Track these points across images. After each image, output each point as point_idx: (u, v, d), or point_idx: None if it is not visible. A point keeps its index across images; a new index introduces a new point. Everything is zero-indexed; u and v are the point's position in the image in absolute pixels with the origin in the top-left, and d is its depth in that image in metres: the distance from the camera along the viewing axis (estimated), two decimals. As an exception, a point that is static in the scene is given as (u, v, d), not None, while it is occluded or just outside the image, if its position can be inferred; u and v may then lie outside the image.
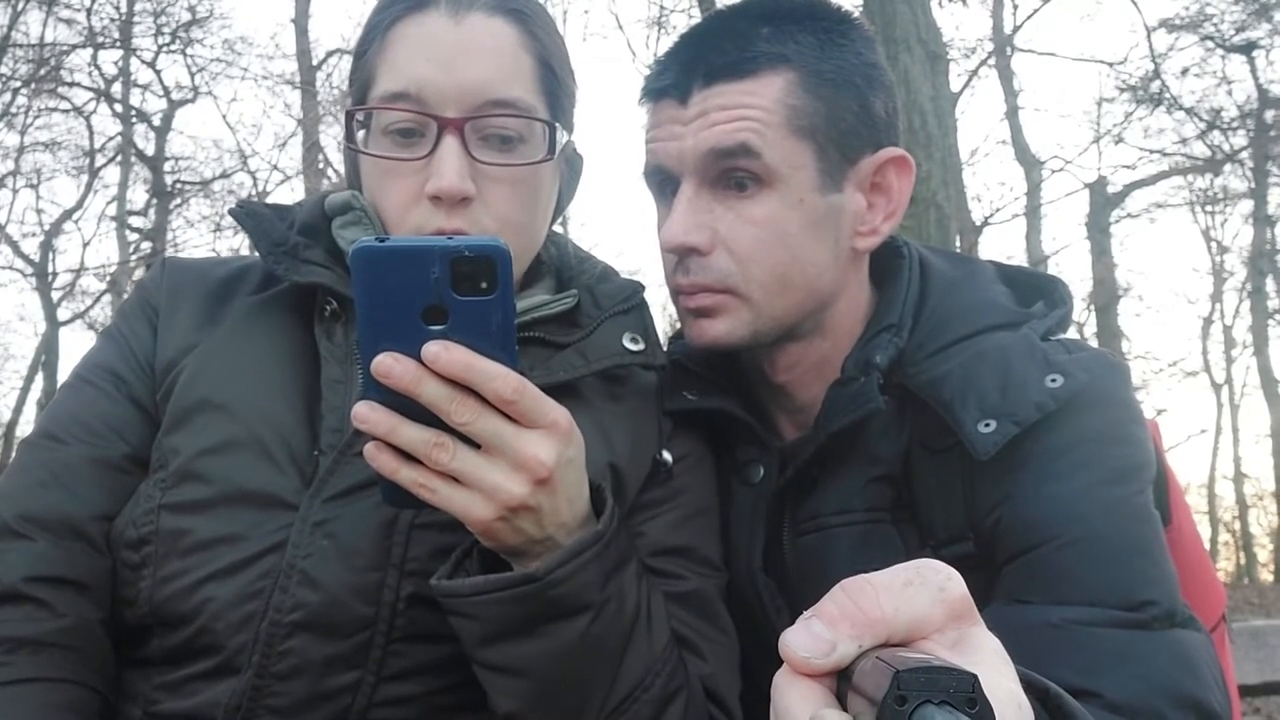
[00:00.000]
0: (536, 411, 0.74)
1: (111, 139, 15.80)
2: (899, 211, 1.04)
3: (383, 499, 0.79)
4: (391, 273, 0.70)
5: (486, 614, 0.79)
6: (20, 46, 13.69)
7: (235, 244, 15.25)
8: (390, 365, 0.70)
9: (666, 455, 1.01)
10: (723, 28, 1.01)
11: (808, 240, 0.99)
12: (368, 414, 0.73)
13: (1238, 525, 19.57)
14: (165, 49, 15.13)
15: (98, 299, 15.55)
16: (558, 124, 0.95)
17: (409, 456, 0.74)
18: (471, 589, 0.79)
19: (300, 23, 13.89)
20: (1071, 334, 1.06)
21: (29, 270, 15.24)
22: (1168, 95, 14.39)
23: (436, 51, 0.90)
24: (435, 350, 0.70)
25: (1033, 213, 14.86)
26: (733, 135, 0.96)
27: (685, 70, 1.00)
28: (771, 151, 0.96)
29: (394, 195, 0.92)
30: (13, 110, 14.37)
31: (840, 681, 0.45)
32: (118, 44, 14.71)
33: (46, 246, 15.42)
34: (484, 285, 0.70)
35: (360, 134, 0.96)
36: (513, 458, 0.74)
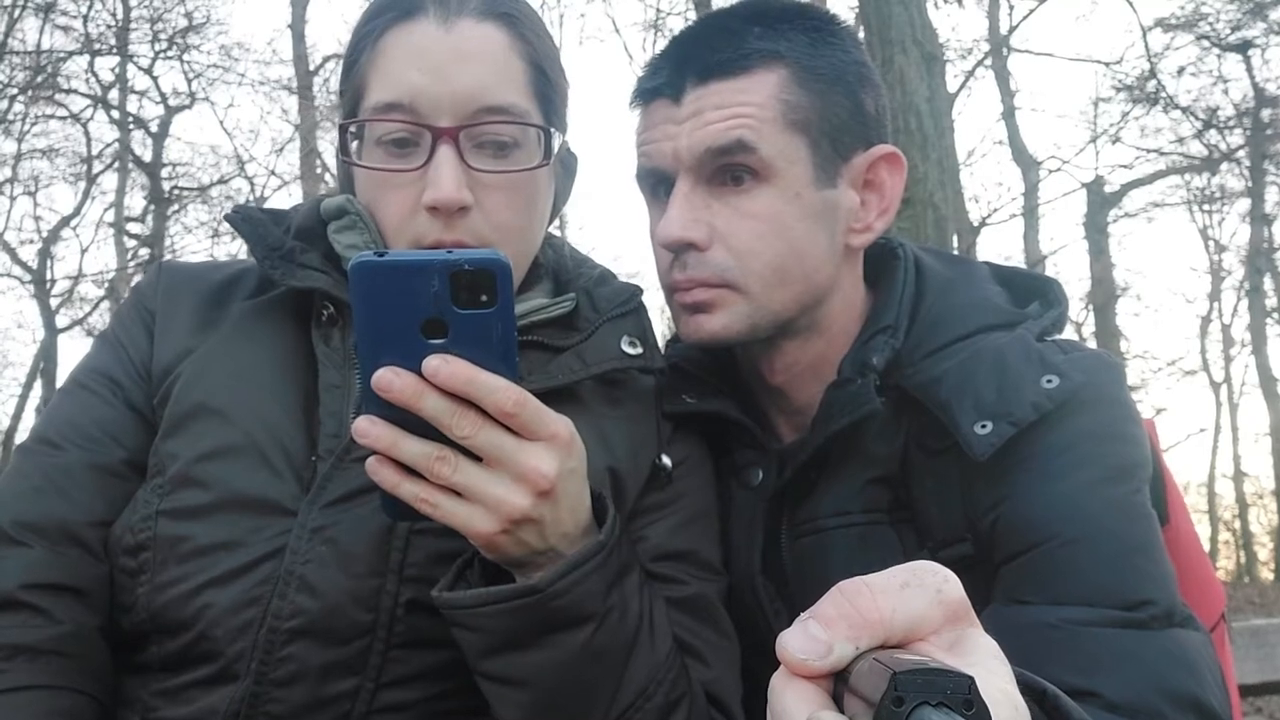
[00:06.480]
0: (537, 423, 0.74)
1: (109, 145, 15.79)
2: (892, 209, 1.05)
3: (383, 511, 0.79)
4: (390, 286, 0.70)
5: (488, 626, 0.79)
6: (17, 54, 13.68)
7: (233, 249, 15.22)
8: (390, 380, 0.70)
9: (666, 459, 1.00)
10: (715, 27, 1.02)
11: (805, 234, 0.99)
12: (368, 429, 0.73)
13: (1238, 524, 19.57)
14: (162, 55, 15.10)
15: (96, 305, 15.54)
16: (552, 127, 0.95)
17: (410, 470, 0.74)
18: (473, 601, 0.79)
19: (297, 28, 13.89)
20: (1069, 334, 1.06)
21: (27, 277, 15.24)
22: (1164, 95, 14.43)
23: (428, 60, 0.90)
24: (435, 364, 0.70)
25: (1030, 213, 14.87)
26: (728, 133, 0.96)
27: (678, 69, 1.00)
28: (767, 146, 0.97)
29: (391, 207, 0.92)
30: (10, 117, 14.35)
31: (837, 683, 0.45)
32: (114, 51, 14.69)
33: (44, 253, 15.42)
34: (484, 298, 0.70)
35: (354, 145, 0.96)
36: (514, 470, 0.74)
